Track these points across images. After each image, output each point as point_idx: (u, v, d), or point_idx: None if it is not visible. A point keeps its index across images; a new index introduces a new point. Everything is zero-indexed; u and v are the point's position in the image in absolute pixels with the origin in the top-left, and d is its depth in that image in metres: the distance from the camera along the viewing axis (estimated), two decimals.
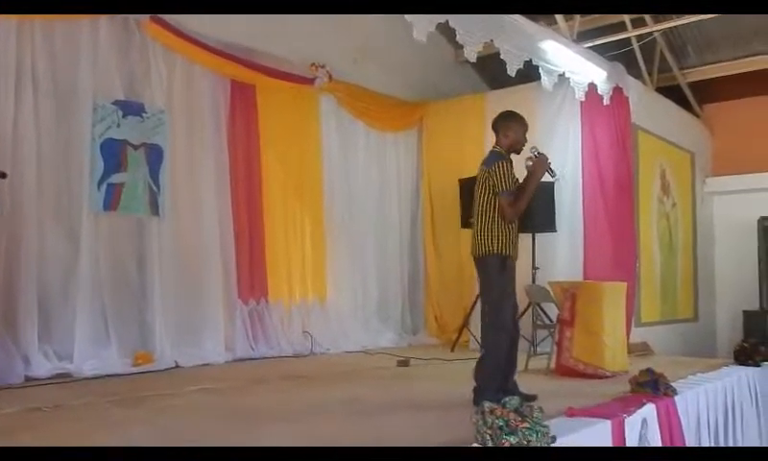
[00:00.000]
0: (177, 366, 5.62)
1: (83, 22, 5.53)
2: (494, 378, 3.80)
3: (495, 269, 3.90)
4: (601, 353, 5.05)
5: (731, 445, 4.71)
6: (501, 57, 5.53)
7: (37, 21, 5.24)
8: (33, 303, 5.11)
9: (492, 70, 8.44)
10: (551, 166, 4.09)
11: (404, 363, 5.94)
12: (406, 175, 8.52)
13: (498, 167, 3.89)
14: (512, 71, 5.62)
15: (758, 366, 5.62)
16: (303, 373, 5.40)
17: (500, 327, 3.86)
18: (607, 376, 4.97)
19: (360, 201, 7.91)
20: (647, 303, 7.51)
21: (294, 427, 3.33)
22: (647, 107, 7.56)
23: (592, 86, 6.60)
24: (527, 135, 4.15)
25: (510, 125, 4.05)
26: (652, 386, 4.02)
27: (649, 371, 4.16)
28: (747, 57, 8.49)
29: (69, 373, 5.07)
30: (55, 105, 5.43)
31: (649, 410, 3.68)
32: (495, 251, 3.88)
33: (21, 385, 4.65)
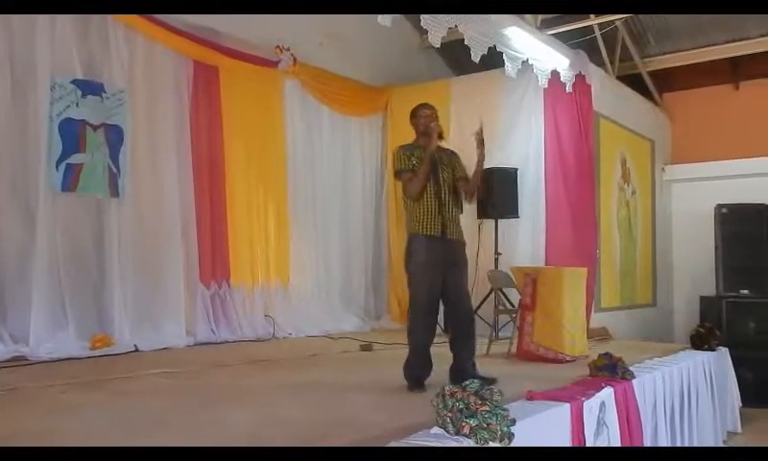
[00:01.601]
0: (136, 350, 5.55)
1: None
2: (412, 364, 3.90)
3: (413, 248, 3.98)
4: (561, 338, 5.14)
5: (686, 428, 4.84)
6: (465, 43, 5.53)
7: None
8: None
9: (456, 56, 8.45)
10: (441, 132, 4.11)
11: (367, 347, 5.95)
12: (371, 159, 8.51)
13: (395, 154, 4.15)
14: (476, 57, 5.64)
15: (714, 351, 5.79)
16: (265, 357, 5.37)
17: (413, 306, 3.98)
18: (567, 361, 5.05)
19: (324, 185, 7.88)
20: (607, 288, 7.67)
21: (255, 411, 3.31)
22: (609, 95, 7.68)
23: (555, 74, 6.67)
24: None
25: (412, 122, 4.23)
26: (610, 370, 4.10)
27: (607, 355, 4.24)
28: (706, 47, 8.67)
29: (25, 356, 4.96)
30: (11, 82, 5.28)
31: (607, 393, 3.75)
32: (416, 230, 3.98)
33: None
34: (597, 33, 7.95)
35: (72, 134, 5.57)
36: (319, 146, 7.88)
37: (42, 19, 5.39)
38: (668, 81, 9.42)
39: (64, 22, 5.52)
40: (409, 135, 4.29)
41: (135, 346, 5.58)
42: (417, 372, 3.87)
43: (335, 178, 8.00)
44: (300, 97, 7.58)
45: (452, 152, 4.23)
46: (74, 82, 5.58)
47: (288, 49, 7.25)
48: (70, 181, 5.56)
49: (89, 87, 5.68)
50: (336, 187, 8.01)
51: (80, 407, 3.40)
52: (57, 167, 5.48)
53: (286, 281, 7.26)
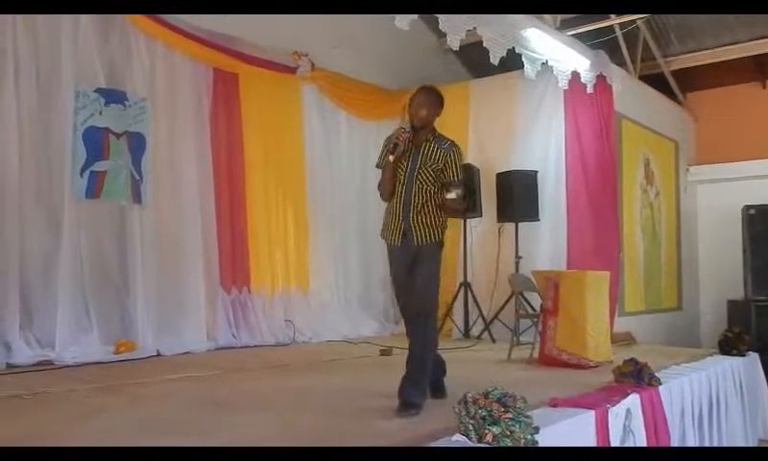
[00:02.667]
0: (158, 354, 5.59)
1: None
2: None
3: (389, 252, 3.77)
4: (584, 343, 5.06)
5: (715, 435, 4.74)
6: (484, 45, 5.50)
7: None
8: (14, 290, 5.07)
9: (474, 58, 8.40)
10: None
11: (387, 352, 5.92)
12: None
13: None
14: (495, 60, 5.59)
15: (743, 356, 5.66)
16: (285, 362, 5.37)
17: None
18: (590, 366, 4.98)
19: (343, 189, 7.88)
20: (630, 292, 7.57)
21: (273, 416, 3.31)
22: (630, 95, 7.58)
23: (575, 75, 6.60)
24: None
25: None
26: (635, 376, 4.02)
27: (633, 361, 4.16)
28: (730, 44, 8.53)
29: (51, 360, 5.02)
30: (37, 92, 5.36)
31: (633, 400, 3.68)
32: (382, 235, 3.78)
33: (2, 372, 4.63)
34: (618, 32, 7.87)
35: (96, 142, 5.64)
36: (337, 150, 7.88)
37: (66, 29, 5.47)
38: (692, 80, 9.27)
39: (87, 32, 5.60)
40: None
41: (158, 350, 5.63)
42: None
43: (353, 181, 7.99)
44: (317, 102, 7.59)
45: (449, 145, 3.64)
46: (97, 90, 5.65)
47: (306, 55, 7.27)
48: (94, 187, 5.63)
49: (112, 96, 5.75)
50: (354, 191, 8.00)
51: (101, 411, 3.43)
52: (81, 174, 5.55)
53: (305, 286, 7.27)
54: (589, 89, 6.74)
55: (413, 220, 3.58)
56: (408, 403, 3.29)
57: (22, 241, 5.20)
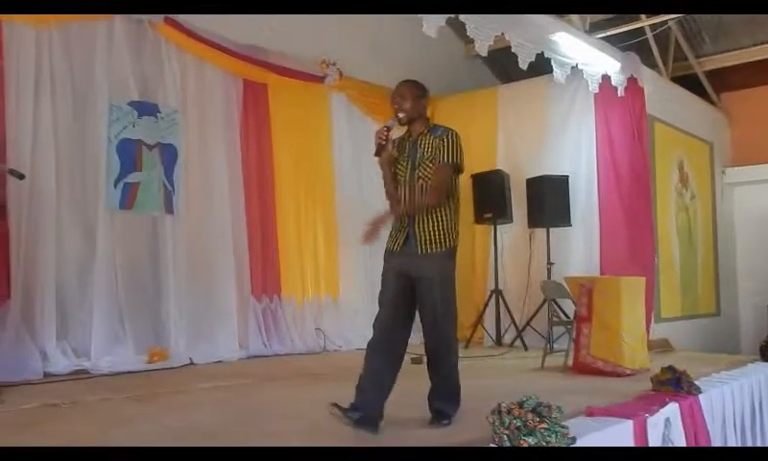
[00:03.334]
0: (191, 363, 5.65)
1: (98, 24, 5.58)
2: (358, 390, 3.23)
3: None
4: (620, 350, 4.97)
5: (758, 444, 4.60)
6: (512, 50, 5.46)
7: (54, 24, 5.30)
8: (51, 300, 5.17)
9: (502, 64, 8.36)
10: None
11: (418, 360, 5.86)
12: None
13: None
14: (523, 64, 5.55)
15: None
16: (316, 370, 5.38)
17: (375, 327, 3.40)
18: (626, 374, 4.89)
19: (371, 197, 7.84)
20: (667, 297, 7.41)
21: (306, 425, 3.30)
22: (663, 97, 7.46)
23: (606, 78, 6.52)
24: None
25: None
26: (674, 384, 3.92)
27: (671, 368, 4.06)
28: (764, 43, 8.34)
29: (86, 369, 5.12)
30: (72, 105, 5.49)
31: (672, 409, 3.59)
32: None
33: (40, 381, 4.71)
34: (649, 34, 7.75)
35: (129, 154, 5.74)
36: (365, 158, 7.86)
37: (100, 44, 5.60)
38: (726, 80, 9.07)
39: (120, 47, 5.71)
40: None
41: (191, 359, 5.68)
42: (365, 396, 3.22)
43: (382, 189, 7.95)
44: (346, 110, 7.62)
45: (442, 131, 3.36)
46: (131, 103, 5.75)
47: (334, 63, 7.31)
48: (128, 199, 5.72)
49: (145, 108, 5.84)
50: (383, 198, 7.94)
51: (135, 419, 3.47)
52: (115, 186, 5.65)
53: (336, 294, 7.28)
54: (621, 92, 6.64)
55: (417, 225, 3.31)
56: (440, 413, 3.25)
57: (58, 252, 5.30)
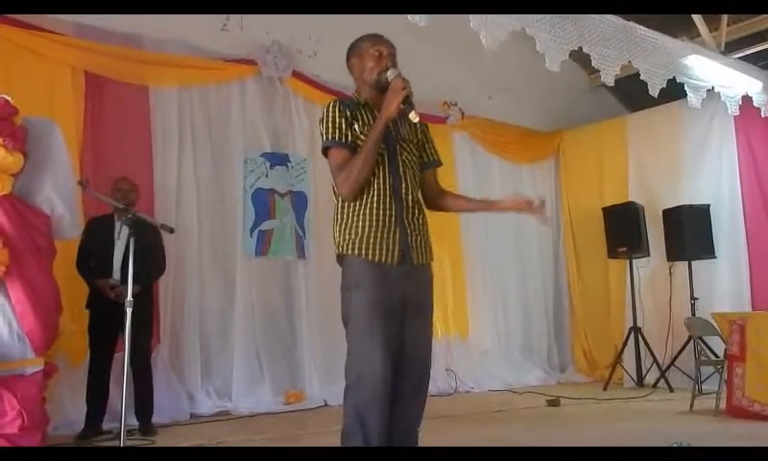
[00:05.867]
0: (325, 404, 5.76)
1: (233, 84, 6.01)
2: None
3: (346, 279, 2.57)
4: None
5: None
6: (641, 77, 5.25)
7: (195, 86, 5.78)
8: (196, 344, 5.51)
9: (628, 91, 8.05)
10: (410, 98, 2.41)
11: (554, 403, 5.68)
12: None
13: (324, 112, 2.50)
14: (654, 92, 5.32)
15: None
16: (448, 412, 5.31)
17: (349, 380, 2.50)
18: None
19: (498, 234, 7.78)
20: None
21: None
22: None
23: (746, 99, 6.11)
24: None
25: (350, 62, 2.65)
26: None
27: None
28: None
29: (228, 410, 5.38)
30: (211, 160, 5.89)
31: None
32: (346, 250, 2.57)
33: (187, 422, 5.01)
34: None
35: (263, 203, 6.07)
36: (490, 194, 7.77)
37: (235, 102, 6.00)
38: None
39: (253, 103, 6.09)
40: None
41: (325, 400, 5.80)
42: None
43: (509, 226, 7.87)
44: (469, 148, 7.64)
45: (423, 123, 2.64)
46: (263, 155, 6.10)
47: (455, 104, 7.37)
48: (263, 245, 6.03)
49: (276, 159, 6.18)
50: (510, 236, 7.88)
51: None
52: (251, 234, 5.98)
53: (465, 334, 7.20)
54: (764, 113, 6.19)
55: (409, 226, 2.48)
56: None
57: (201, 299, 5.65)
